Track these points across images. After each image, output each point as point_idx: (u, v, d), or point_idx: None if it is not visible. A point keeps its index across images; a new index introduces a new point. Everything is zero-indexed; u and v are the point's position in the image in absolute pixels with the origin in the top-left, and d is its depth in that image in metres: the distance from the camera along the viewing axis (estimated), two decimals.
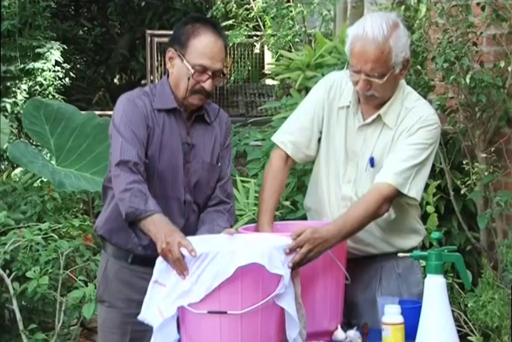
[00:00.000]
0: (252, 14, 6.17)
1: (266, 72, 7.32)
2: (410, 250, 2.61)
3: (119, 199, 2.51)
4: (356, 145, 2.61)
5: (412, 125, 2.55)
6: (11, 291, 3.92)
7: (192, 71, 2.56)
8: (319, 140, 2.70)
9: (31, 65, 7.38)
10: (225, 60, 2.65)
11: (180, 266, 2.24)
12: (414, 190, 2.52)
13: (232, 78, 8.03)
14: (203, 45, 2.57)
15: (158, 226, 2.40)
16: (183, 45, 2.59)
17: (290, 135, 2.70)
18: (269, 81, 9.55)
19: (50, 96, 7.54)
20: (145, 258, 2.59)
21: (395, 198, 2.51)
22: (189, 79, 2.57)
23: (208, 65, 2.57)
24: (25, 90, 7.43)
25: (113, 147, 2.58)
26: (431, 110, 2.63)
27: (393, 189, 2.49)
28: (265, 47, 7.00)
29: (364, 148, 2.60)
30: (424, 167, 2.55)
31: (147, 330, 2.64)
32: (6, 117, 7.08)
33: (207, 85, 2.58)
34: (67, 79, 8.02)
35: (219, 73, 2.61)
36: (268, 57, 9.97)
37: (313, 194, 2.75)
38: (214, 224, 2.64)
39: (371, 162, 2.58)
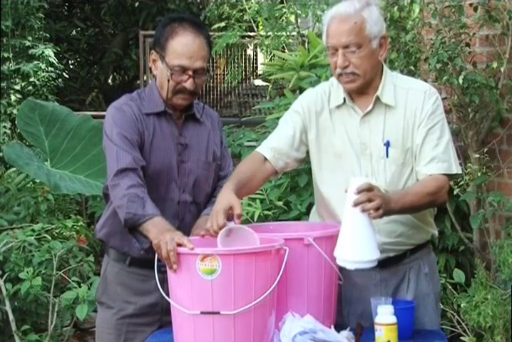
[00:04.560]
0: (246, 16, 6.16)
1: (259, 72, 7.32)
2: (424, 244, 2.68)
3: (117, 206, 2.52)
4: (363, 137, 2.59)
5: (423, 102, 2.57)
6: (4, 292, 3.91)
7: (170, 73, 2.57)
8: (307, 152, 2.67)
9: (24, 66, 7.37)
10: (208, 56, 2.64)
11: (170, 258, 2.26)
12: (458, 166, 2.60)
13: (225, 79, 8.02)
14: (181, 46, 2.58)
15: (158, 227, 2.42)
16: (163, 47, 2.61)
17: (272, 142, 2.65)
18: (262, 82, 9.55)
19: (43, 97, 7.52)
20: (143, 261, 2.60)
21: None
22: (168, 81, 2.59)
23: (187, 65, 2.57)
24: (18, 90, 7.41)
25: (108, 157, 2.59)
26: (426, 83, 2.69)
27: (446, 178, 2.56)
28: (258, 48, 7.00)
29: (372, 137, 2.58)
30: (449, 136, 2.60)
31: (140, 331, 2.67)
32: None
33: (189, 84, 2.59)
34: (60, 80, 8.01)
35: (201, 71, 2.61)
36: (261, 58, 9.97)
37: (326, 205, 2.67)
38: None
39: (387, 144, 2.57)
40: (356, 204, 2.30)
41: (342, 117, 2.63)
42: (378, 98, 2.58)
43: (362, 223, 2.31)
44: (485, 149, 3.70)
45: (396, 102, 2.58)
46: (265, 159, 2.62)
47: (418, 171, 2.57)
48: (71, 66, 11.50)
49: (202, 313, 2.22)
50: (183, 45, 2.58)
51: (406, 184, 2.59)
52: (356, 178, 2.36)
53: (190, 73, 2.58)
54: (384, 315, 2.34)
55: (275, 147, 2.62)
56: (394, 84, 2.60)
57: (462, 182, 3.60)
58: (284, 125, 2.68)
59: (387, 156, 2.57)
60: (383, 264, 2.57)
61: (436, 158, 2.55)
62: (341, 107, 2.63)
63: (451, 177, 2.60)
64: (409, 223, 2.61)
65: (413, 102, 2.58)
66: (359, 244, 2.31)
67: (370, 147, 2.58)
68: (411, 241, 2.64)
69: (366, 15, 2.52)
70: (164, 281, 2.37)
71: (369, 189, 2.31)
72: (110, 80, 11.94)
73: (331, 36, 2.54)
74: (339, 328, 2.47)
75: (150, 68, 2.72)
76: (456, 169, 2.58)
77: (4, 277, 3.96)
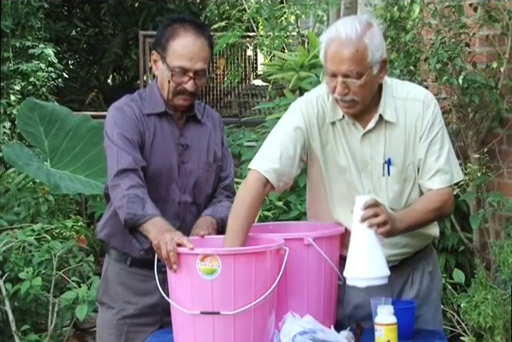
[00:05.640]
0: (246, 16, 6.16)
1: (259, 73, 7.32)
2: (426, 245, 2.66)
3: (117, 207, 2.52)
4: (364, 154, 2.53)
5: (422, 113, 2.51)
6: (4, 292, 3.91)
7: (171, 74, 2.57)
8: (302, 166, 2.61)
9: (24, 66, 7.38)
10: (209, 58, 2.63)
11: (170, 259, 2.26)
12: (459, 173, 2.57)
13: (225, 79, 8.03)
14: (181, 47, 2.56)
15: (157, 227, 2.42)
16: (163, 48, 2.60)
17: (274, 163, 2.48)
18: (261, 82, 9.56)
19: (43, 97, 7.52)
20: (143, 261, 2.60)
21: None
22: (169, 82, 2.58)
23: (188, 66, 2.56)
24: (18, 90, 7.42)
25: (109, 158, 2.58)
26: (421, 88, 2.62)
27: (450, 189, 2.54)
28: (258, 48, 7.00)
29: (374, 155, 2.53)
30: (449, 144, 2.56)
31: (141, 331, 2.66)
32: None
33: (189, 86, 2.58)
34: (60, 80, 8.01)
35: (202, 72, 2.60)
36: (261, 58, 9.97)
37: (327, 216, 2.63)
38: (218, 205, 2.68)
39: (389, 163, 2.52)
40: (363, 220, 2.30)
41: (343, 130, 2.55)
42: (380, 116, 2.51)
43: (370, 239, 2.31)
44: (485, 150, 3.70)
45: (397, 118, 2.52)
46: (267, 180, 2.48)
47: (421, 184, 2.54)
48: (71, 66, 11.51)
49: (202, 313, 2.22)
50: (184, 47, 2.57)
51: (408, 199, 2.55)
52: (361, 196, 2.37)
53: (191, 74, 2.57)
54: (384, 315, 2.34)
55: (277, 169, 2.48)
56: (393, 96, 2.53)
57: (462, 182, 3.60)
58: (282, 142, 2.52)
59: (389, 174, 2.53)
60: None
61: (439, 171, 2.51)
62: (342, 120, 2.55)
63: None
64: (413, 233, 2.58)
65: (413, 112, 2.52)
66: (368, 260, 2.32)
67: (371, 164, 2.54)
68: (414, 249, 2.64)
69: (367, 41, 2.39)
70: (164, 282, 2.37)
71: (376, 204, 2.32)
72: (109, 80, 11.95)
73: (330, 61, 2.42)
74: (339, 328, 2.48)
75: (150, 68, 2.71)
76: (457, 177, 2.56)
77: (4, 277, 3.95)
